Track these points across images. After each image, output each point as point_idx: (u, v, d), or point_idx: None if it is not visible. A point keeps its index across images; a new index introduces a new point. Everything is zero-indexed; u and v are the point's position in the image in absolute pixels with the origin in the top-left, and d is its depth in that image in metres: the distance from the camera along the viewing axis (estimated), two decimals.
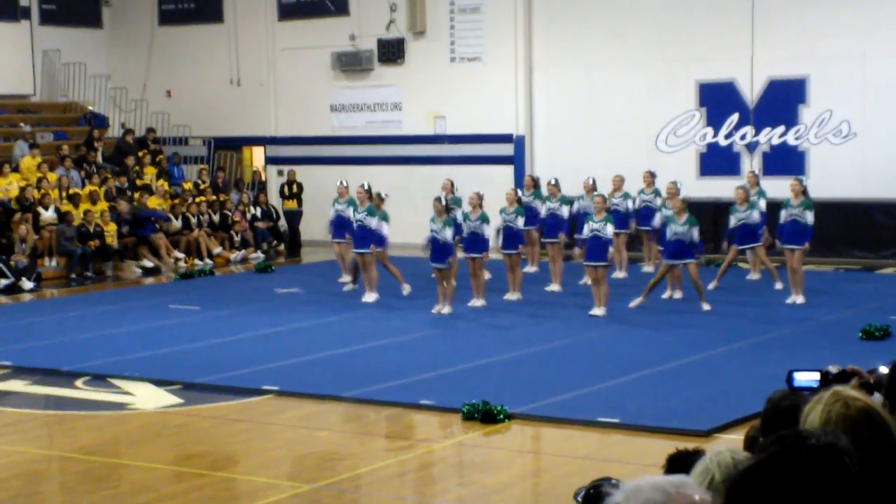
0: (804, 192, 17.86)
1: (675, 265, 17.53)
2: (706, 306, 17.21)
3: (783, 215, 17.76)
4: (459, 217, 18.62)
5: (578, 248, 17.53)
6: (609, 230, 16.87)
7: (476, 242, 18.03)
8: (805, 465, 1.76)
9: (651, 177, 20.77)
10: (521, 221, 18.55)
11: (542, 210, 20.18)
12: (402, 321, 17.23)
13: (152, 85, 29.74)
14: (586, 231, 17.21)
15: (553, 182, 20.40)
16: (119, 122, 29.27)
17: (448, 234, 17.48)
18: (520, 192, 19.47)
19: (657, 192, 20.34)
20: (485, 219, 18.04)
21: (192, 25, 29.28)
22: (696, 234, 17.22)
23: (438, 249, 17.50)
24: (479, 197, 18.16)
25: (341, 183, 20.34)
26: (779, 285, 18.67)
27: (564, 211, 20.00)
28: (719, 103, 23.85)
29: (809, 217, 17.56)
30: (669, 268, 17.59)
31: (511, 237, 18.51)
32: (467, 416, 11.64)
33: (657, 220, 19.13)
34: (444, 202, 17.82)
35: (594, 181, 20.29)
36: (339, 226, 20.07)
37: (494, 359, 14.42)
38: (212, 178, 27.64)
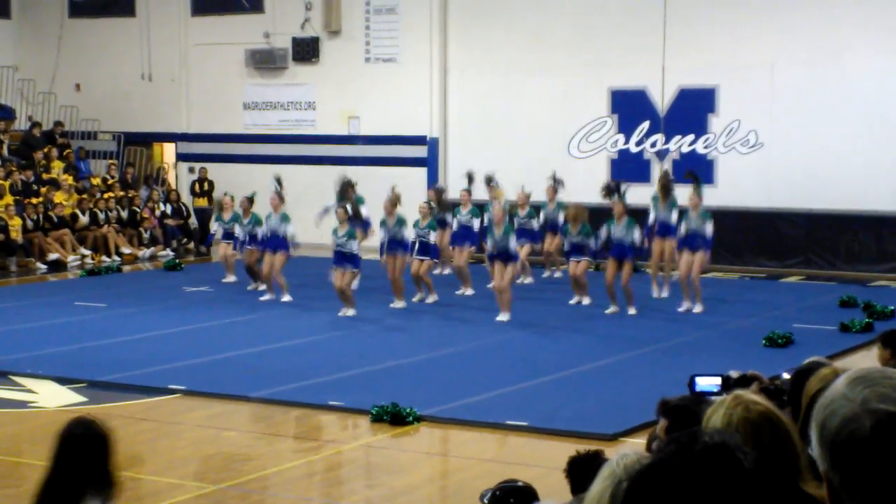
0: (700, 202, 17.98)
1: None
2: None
3: (683, 227, 17.95)
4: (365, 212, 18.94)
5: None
6: (511, 242, 17.02)
7: (395, 245, 18.06)
8: (698, 462, 1.80)
9: (553, 192, 20.64)
10: (433, 236, 18.69)
11: (454, 223, 20.21)
12: (312, 322, 17.17)
13: (61, 78, 29.24)
14: (489, 246, 17.34)
15: (466, 189, 20.50)
16: (26, 114, 28.73)
17: (353, 245, 17.38)
18: (433, 204, 19.57)
19: (560, 206, 20.24)
20: (402, 222, 18.06)
21: (103, 18, 28.85)
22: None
23: (343, 256, 17.40)
24: (393, 203, 18.12)
25: (227, 195, 20.23)
26: (662, 293, 18.96)
27: (475, 223, 20.06)
28: (631, 110, 24.14)
29: (709, 229, 17.73)
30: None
31: (424, 250, 18.61)
32: (376, 417, 11.64)
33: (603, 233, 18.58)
34: (347, 210, 17.77)
35: (496, 184, 20.39)
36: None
37: (404, 361, 14.43)
38: (121, 174, 27.26)
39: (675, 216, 18.55)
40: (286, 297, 18.87)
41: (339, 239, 17.37)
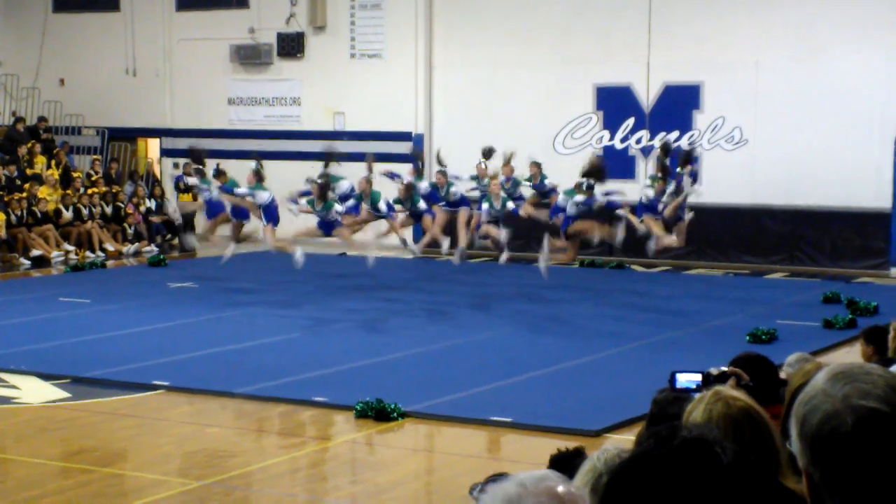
0: (689, 159, 18.51)
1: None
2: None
3: (672, 185, 18.47)
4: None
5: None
6: (509, 206, 17.48)
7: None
8: (676, 456, 1.81)
9: (537, 168, 20.94)
10: (423, 204, 19.09)
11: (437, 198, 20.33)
12: (296, 317, 17.15)
13: (45, 73, 29.13)
14: (484, 217, 17.46)
15: (441, 171, 20.58)
16: (10, 109, 28.62)
17: (334, 213, 17.69)
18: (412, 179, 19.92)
19: (543, 179, 20.80)
20: (376, 197, 18.36)
21: (87, 13, 28.75)
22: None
23: (328, 224, 17.75)
24: (368, 182, 18.40)
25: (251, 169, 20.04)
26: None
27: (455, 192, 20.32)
28: (616, 107, 24.17)
29: (688, 187, 18.28)
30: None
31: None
32: (361, 413, 11.63)
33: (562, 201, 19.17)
34: (321, 185, 17.99)
35: (486, 166, 20.58)
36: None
37: (388, 357, 14.42)
38: (105, 170, 27.17)
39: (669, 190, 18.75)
40: (299, 254, 18.83)
41: (319, 212, 17.59)
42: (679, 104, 23.68)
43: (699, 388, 3.83)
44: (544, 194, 20.84)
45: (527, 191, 20.81)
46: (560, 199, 18.84)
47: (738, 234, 23.15)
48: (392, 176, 19.95)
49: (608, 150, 24.27)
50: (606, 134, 24.31)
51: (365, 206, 18.84)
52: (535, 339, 15.60)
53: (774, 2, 22.81)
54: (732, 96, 23.23)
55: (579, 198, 17.68)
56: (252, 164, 19.84)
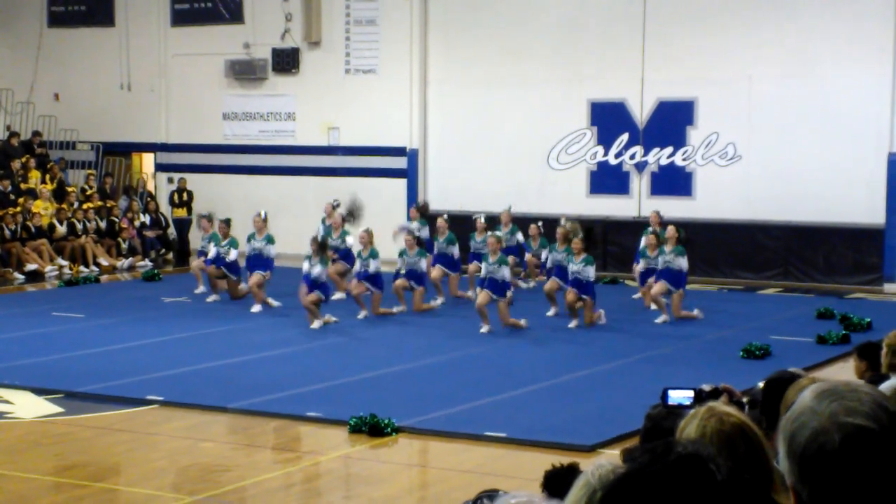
0: (678, 238, 18.13)
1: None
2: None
3: (660, 262, 18.07)
4: (348, 243, 19.48)
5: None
6: (505, 272, 17.08)
7: (373, 282, 18.13)
8: (671, 472, 1.82)
9: (538, 230, 20.89)
10: (423, 263, 18.75)
11: (434, 248, 20.14)
12: (290, 332, 17.15)
13: (40, 88, 29.14)
14: (483, 272, 17.31)
15: (445, 217, 20.38)
16: (4, 124, 28.62)
17: (322, 274, 17.46)
18: (413, 226, 19.78)
19: (543, 244, 20.41)
20: (374, 255, 18.11)
21: (82, 28, 28.78)
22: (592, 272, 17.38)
23: (311, 285, 17.47)
24: (370, 235, 18.20)
25: (259, 215, 19.76)
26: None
27: (453, 250, 19.99)
28: (610, 123, 24.22)
29: (683, 263, 17.94)
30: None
31: (415, 279, 18.66)
32: (354, 428, 11.63)
33: (549, 263, 19.11)
34: (319, 241, 17.74)
35: (486, 219, 20.46)
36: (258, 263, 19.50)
37: (382, 371, 14.42)
38: (99, 184, 27.18)
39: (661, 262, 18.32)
40: (256, 308, 18.87)
41: (311, 267, 17.45)
42: (673, 120, 23.74)
43: (692, 405, 3.84)
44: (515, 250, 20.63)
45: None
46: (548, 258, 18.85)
47: (732, 250, 23.18)
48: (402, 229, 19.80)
49: (602, 166, 24.32)
50: (601, 149, 24.36)
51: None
52: (529, 355, 15.60)
53: (767, 18, 22.89)
54: (726, 112, 23.28)
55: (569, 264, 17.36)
56: (263, 212, 19.81)
